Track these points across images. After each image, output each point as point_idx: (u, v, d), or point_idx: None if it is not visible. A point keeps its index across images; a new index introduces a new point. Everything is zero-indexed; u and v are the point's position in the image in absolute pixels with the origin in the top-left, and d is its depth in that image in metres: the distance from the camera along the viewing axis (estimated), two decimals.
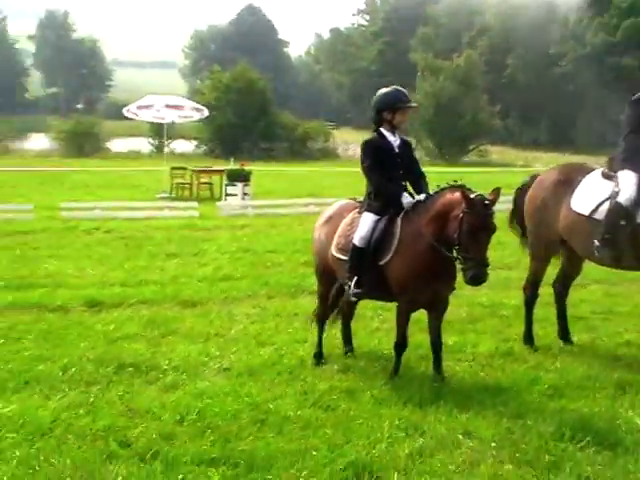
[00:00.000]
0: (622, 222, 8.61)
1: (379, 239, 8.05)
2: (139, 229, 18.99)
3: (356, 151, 70.30)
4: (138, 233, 18.35)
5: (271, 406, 7.24)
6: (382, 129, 8.39)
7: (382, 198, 8.17)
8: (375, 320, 10.45)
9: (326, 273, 8.73)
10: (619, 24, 71.39)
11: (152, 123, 45.11)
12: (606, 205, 8.74)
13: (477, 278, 7.49)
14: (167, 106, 28.31)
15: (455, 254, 7.67)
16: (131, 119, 30.36)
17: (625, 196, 8.60)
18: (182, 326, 10.09)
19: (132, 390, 7.65)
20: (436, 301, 8.07)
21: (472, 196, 7.48)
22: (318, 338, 8.97)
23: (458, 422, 7.01)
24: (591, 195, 8.92)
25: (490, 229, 7.52)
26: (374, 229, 8.10)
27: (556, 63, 77.06)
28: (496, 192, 7.60)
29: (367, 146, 8.39)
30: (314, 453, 6.26)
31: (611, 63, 65.03)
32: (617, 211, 8.62)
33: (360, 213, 8.33)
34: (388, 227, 8.07)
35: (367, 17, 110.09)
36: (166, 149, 56.33)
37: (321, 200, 24.32)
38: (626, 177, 8.70)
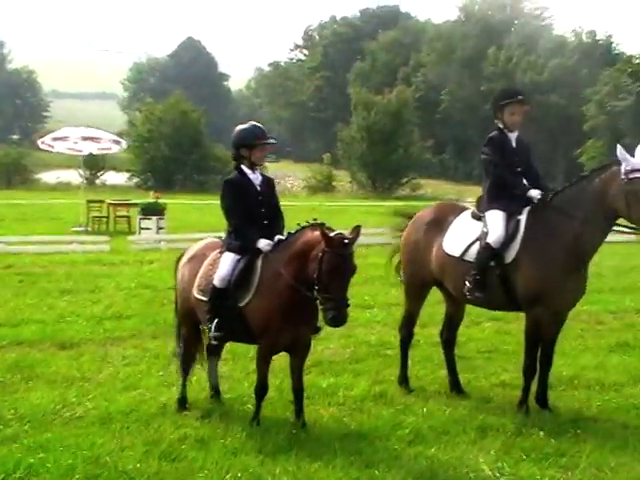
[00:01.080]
0: (491, 263, 8.44)
1: (239, 280, 7.75)
2: (41, 264, 18.50)
3: (294, 183, 70.72)
4: (39, 269, 17.86)
5: (108, 459, 6.80)
6: (242, 166, 8.11)
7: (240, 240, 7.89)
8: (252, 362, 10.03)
9: (189, 314, 8.37)
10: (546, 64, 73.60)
11: (86, 155, 44.47)
12: (476, 246, 8.55)
13: (337, 319, 7.18)
14: (83, 138, 27.75)
15: (315, 294, 7.38)
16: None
17: (493, 237, 8.41)
18: (48, 370, 9.60)
19: None
20: (297, 344, 7.75)
21: (331, 235, 7.21)
22: (182, 382, 8.58)
23: (304, 473, 6.68)
24: (461, 236, 8.72)
25: (350, 268, 7.25)
26: (234, 269, 7.79)
27: (488, 100, 78.05)
28: (356, 230, 7.34)
29: (226, 185, 8.09)
30: None
31: (539, 100, 66.05)
32: (486, 252, 8.43)
33: (221, 253, 8.01)
34: (248, 267, 7.77)
35: (305, 52, 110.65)
36: (97, 181, 56.18)
37: None
38: (493, 217, 8.52)
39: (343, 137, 61.96)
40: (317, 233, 7.32)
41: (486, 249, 8.43)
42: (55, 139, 28.13)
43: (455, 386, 9.19)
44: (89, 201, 27.88)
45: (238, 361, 9.91)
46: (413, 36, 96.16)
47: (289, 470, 6.73)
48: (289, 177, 78.02)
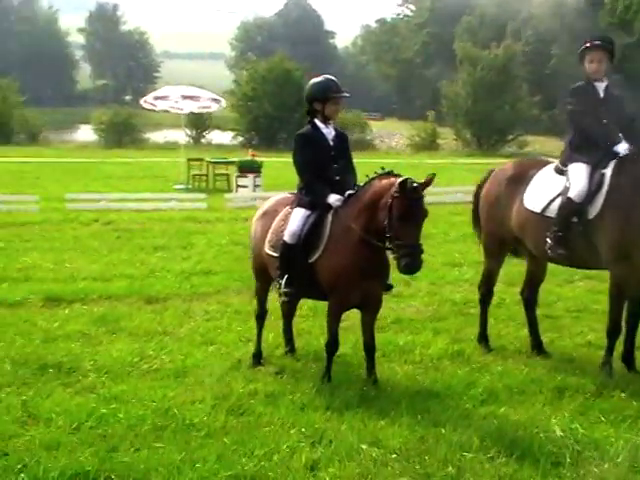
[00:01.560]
0: (573, 219, 8.11)
1: (309, 235, 7.67)
2: (139, 221, 18.81)
3: (399, 141, 70.20)
4: (136, 225, 18.16)
5: (177, 412, 6.85)
6: (316, 120, 7.98)
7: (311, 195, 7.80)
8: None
9: (261, 270, 8.34)
10: None
11: (190, 114, 45.05)
12: (558, 201, 8.23)
13: (411, 266, 7.07)
14: (183, 97, 28.06)
15: (387, 244, 7.24)
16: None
17: (575, 191, 8.08)
18: (131, 324, 9.75)
19: (42, 393, 7.27)
20: (368, 300, 7.64)
21: (400, 180, 7.07)
22: (257, 337, 8.60)
23: (369, 430, 6.58)
24: (543, 191, 8.40)
25: (421, 213, 7.11)
26: (304, 225, 7.71)
27: None
28: (430, 178, 7.17)
29: (299, 139, 8.00)
30: (198, 465, 5.87)
31: None
32: (568, 207, 8.11)
33: (293, 208, 7.93)
34: (318, 223, 7.68)
35: (412, 7, 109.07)
36: (203, 140, 56.96)
37: None
38: (576, 170, 8.18)
39: (448, 93, 60.95)
40: (385, 181, 7.22)
41: (568, 204, 8.11)
42: (156, 98, 28.53)
43: (536, 345, 8.93)
44: (189, 159, 28.21)
45: (317, 317, 9.82)
46: None
47: (354, 426, 6.65)
48: (394, 135, 77.44)
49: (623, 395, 7.44)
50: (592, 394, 7.52)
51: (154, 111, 30.16)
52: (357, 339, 8.70)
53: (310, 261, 7.63)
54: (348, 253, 7.40)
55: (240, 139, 57.36)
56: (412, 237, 7.05)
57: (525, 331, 9.33)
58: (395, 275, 12.58)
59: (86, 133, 65.26)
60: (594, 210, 8.04)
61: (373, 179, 7.46)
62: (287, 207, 8.08)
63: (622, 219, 7.84)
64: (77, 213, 19.55)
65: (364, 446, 6.25)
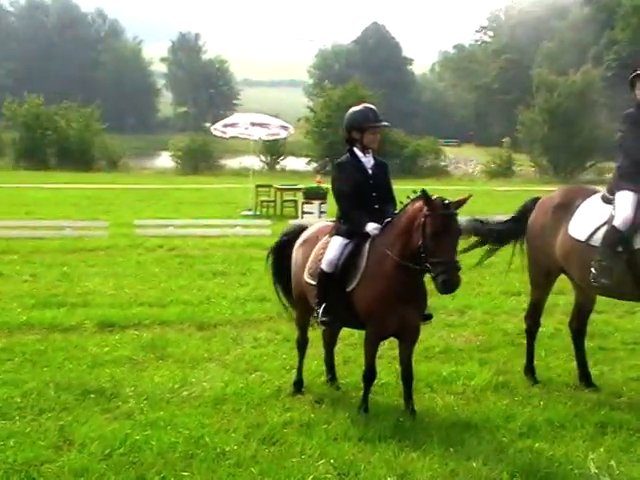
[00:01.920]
0: (619, 248, 7.91)
1: (347, 264, 7.64)
2: (202, 247, 18.99)
3: (475, 168, 69.65)
4: (199, 251, 18.34)
5: (208, 440, 6.86)
6: (355, 149, 7.96)
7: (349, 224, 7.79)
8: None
9: (301, 298, 8.32)
10: None
11: (265, 141, 45.50)
12: (603, 230, 8.04)
13: (448, 283, 6.95)
14: (252, 124, 28.34)
15: (423, 265, 7.15)
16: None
17: (621, 219, 7.88)
18: (178, 350, 9.84)
19: (80, 418, 7.36)
20: (405, 329, 7.56)
21: (431, 198, 7.05)
22: (298, 366, 8.59)
23: (400, 462, 6.51)
24: (589, 220, 8.21)
25: (455, 228, 7.07)
26: (342, 254, 7.69)
27: None
28: (464, 197, 7.15)
29: (338, 167, 7.99)
30: None
31: None
32: (613, 236, 7.91)
33: (331, 237, 7.92)
34: (356, 252, 7.65)
35: (490, 33, 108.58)
36: (277, 166, 57.50)
37: None
38: (623, 198, 7.98)
39: (524, 120, 60.37)
40: (417, 204, 7.20)
41: (613, 232, 7.92)
42: (226, 125, 28.89)
43: (584, 378, 8.71)
44: (258, 186, 28.42)
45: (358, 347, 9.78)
46: (607, 12, 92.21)
47: (385, 458, 6.59)
48: (470, 161, 77.01)
49: None
50: (637, 430, 7.30)
51: (224, 138, 30.50)
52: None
53: (348, 290, 7.60)
54: (384, 280, 7.35)
55: (314, 165, 57.63)
56: (447, 253, 6.98)
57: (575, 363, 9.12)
58: (451, 304, 12.68)
59: (165, 160, 66.43)
60: None
61: (407, 205, 7.42)
62: (327, 235, 8.05)
63: None
64: (144, 239, 19.83)
65: (392, 479, 6.18)
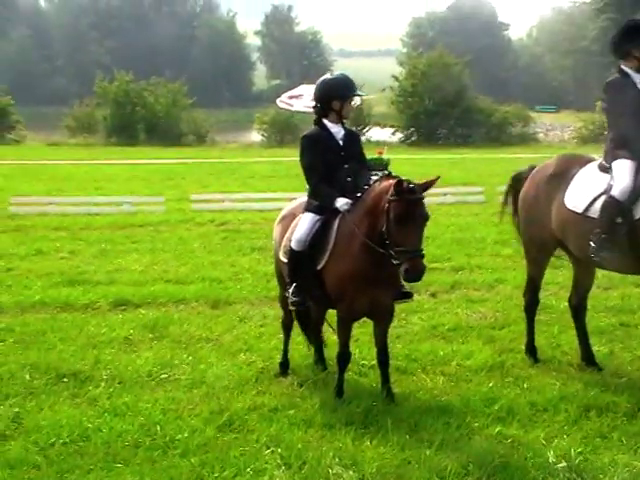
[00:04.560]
0: (618, 219, 7.34)
1: (316, 242, 7.29)
2: (254, 221, 18.83)
3: (572, 134, 67.58)
4: (249, 226, 18.21)
5: (158, 428, 6.61)
6: (326, 120, 7.56)
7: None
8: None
9: (281, 276, 8.02)
10: None
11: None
12: (601, 201, 7.47)
13: (411, 273, 6.55)
14: None
15: (388, 250, 6.75)
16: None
17: (619, 189, 7.31)
18: (179, 330, 9.62)
19: (43, 404, 7.16)
20: (377, 309, 7.17)
21: (397, 181, 6.61)
22: (284, 346, 8.30)
23: (351, 450, 6.16)
24: (586, 190, 7.65)
25: (420, 216, 6.62)
26: (311, 231, 7.33)
27: None
28: (432, 179, 6.71)
29: (305, 140, 7.60)
30: None
31: None
32: (611, 207, 7.35)
33: (302, 213, 7.57)
34: (325, 228, 7.29)
35: None
36: (362, 137, 56.92)
37: (462, 189, 23.40)
38: (620, 166, 7.41)
39: None
40: (384, 184, 6.78)
41: (611, 203, 7.36)
42: (291, 97, 28.33)
43: (587, 357, 8.17)
44: None
45: (368, 326, 9.41)
46: None
47: (338, 446, 6.25)
48: (568, 127, 74.72)
49: None
50: (624, 414, 6.80)
51: (289, 111, 30.14)
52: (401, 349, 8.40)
53: (318, 268, 7.25)
54: (353, 259, 6.98)
55: (399, 135, 56.86)
56: (411, 241, 6.56)
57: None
58: (480, 278, 12.16)
59: (255, 133, 66.69)
60: None
61: (375, 182, 7.00)
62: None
63: None
64: (197, 214, 19.81)
65: (335, 470, 5.85)
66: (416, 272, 6.55)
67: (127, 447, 6.33)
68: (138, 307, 10.81)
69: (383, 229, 6.68)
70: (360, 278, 6.95)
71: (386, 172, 7.03)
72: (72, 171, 32.39)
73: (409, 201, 6.53)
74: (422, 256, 6.58)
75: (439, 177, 6.76)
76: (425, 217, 6.64)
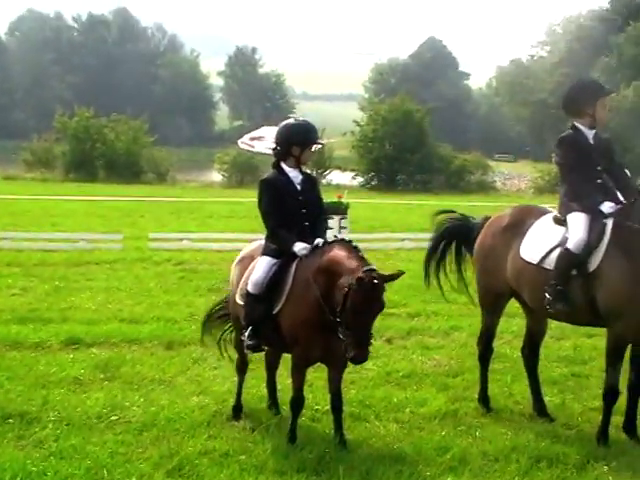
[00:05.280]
0: (573, 272, 7.43)
1: (273, 285, 7.27)
2: (212, 262, 18.72)
3: (528, 184, 68.47)
4: (207, 266, 18.08)
5: (105, 472, 6.50)
6: (284, 165, 7.59)
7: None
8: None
9: (237, 319, 7.98)
10: None
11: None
12: (557, 253, 7.57)
13: (356, 359, 6.67)
14: None
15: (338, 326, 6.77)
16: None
17: (574, 242, 7.42)
18: (131, 371, 9.51)
19: None
20: (333, 355, 7.13)
21: (361, 274, 6.55)
22: (237, 390, 8.24)
23: None
24: (541, 241, 7.75)
25: (376, 308, 6.65)
26: (268, 274, 7.32)
27: None
28: (397, 273, 6.79)
29: (263, 185, 7.62)
30: None
31: None
32: (567, 259, 7.44)
33: (260, 256, 7.56)
34: (282, 272, 7.28)
35: (547, 48, 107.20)
36: (323, 180, 57.15)
37: (420, 235, 23.47)
38: (575, 220, 7.53)
39: None
40: (349, 265, 6.72)
41: (567, 255, 7.45)
42: (253, 138, 28.53)
43: (539, 407, 8.22)
44: None
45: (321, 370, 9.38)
46: None
47: None
48: (524, 177, 75.73)
49: (606, 469, 6.72)
50: (574, 465, 6.83)
51: (251, 152, 30.23)
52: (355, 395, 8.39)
53: (274, 312, 7.23)
54: (308, 306, 6.97)
55: (360, 179, 57.16)
56: (362, 329, 6.61)
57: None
58: (436, 325, 12.20)
59: (216, 173, 66.68)
60: (594, 263, 7.35)
61: (334, 242, 7.06)
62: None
63: (618, 275, 7.15)
64: (155, 252, 19.67)
65: None
66: (360, 360, 6.69)
67: None
68: (90, 346, 10.67)
69: (338, 308, 6.68)
70: (315, 324, 6.95)
71: (344, 231, 7.02)
72: (28, 206, 32.05)
73: (369, 296, 6.53)
74: (369, 344, 6.67)
75: (404, 272, 6.83)
76: (381, 307, 6.68)
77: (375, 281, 6.52)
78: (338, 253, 6.86)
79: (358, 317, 6.55)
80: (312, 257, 7.09)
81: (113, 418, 7.86)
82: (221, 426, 7.75)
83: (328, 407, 7.80)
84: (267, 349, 7.98)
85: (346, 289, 6.58)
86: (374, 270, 6.63)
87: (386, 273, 6.71)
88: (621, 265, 7.21)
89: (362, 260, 6.77)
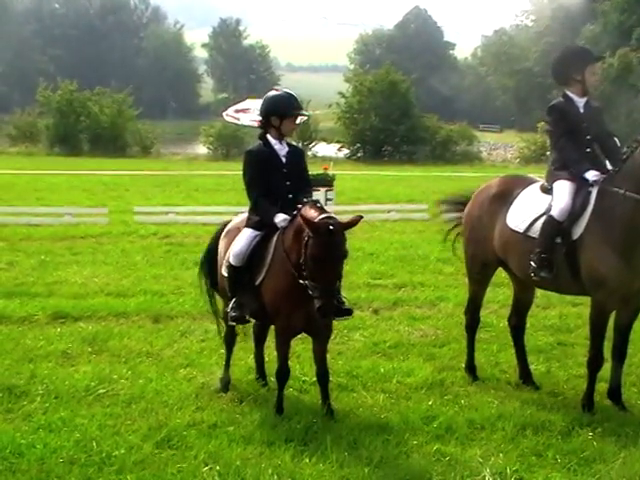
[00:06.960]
0: (557, 240, 7.46)
1: (254, 257, 7.29)
2: (198, 235, 18.66)
3: (514, 154, 68.59)
4: (192, 239, 18.03)
5: (94, 444, 6.51)
6: (269, 136, 7.58)
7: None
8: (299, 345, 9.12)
9: (224, 290, 7.99)
10: None
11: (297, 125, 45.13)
12: (542, 221, 7.59)
13: (322, 311, 6.64)
14: None
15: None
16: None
17: (558, 209, 7.44)
18: (119, 344, 9.50)
19: None
20: (315, 325, 7.13)
21: (316, 220, 6.59)
22: (225, 362, 8.26)
23: (289, 467, 6.17)
24: (527, 210, 7.76)
25: (337, 256, 6.63)
26: (249, 246, 7.33)
27: None
28: (356, 218, 6.75)
29: (248, 156, 7.61)
30: None
31: None
32: (551, 227, 7.46)
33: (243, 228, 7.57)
34: (264, 244, 7.29)
35: (532, 17, 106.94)
36: (309, 152, 57.06)
37: (406, 206, 23.54)
38: (560, 187, 7.55)
39: None
40: (309, 214, 6.75)
41: (550, 223, 7.47)
42: (238, 111, 28.37)
43: (524, 376, 8.27)
44: None
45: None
46: None
47: (277, 464, 6.23)
48: (510, 147, 75.81)
49: (591, 435, 6.79)
50: (559, 432, 6.89)
51: (236, 124, 30.13)
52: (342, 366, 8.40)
53: (256, 284, 7.25)
54: (288, 277, 6.98)
55: (345, 152, 57.15)
56: (325, 279, 6.62)
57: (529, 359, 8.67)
58: (422, 295, 12.25)
59: (202, 146, 66.52)
60: (577, 231, 7.39)
61: (304, 205, 7.02)
62: None
63: (600, 243, 7.19)
64: (141, 226, 19.64)
65: None
66: (326, 312, 6.65)
67: (62, 464, 6.22)
68: (77, 320, 10.67)
69: (301, 261, 6.70)
70: (296, 295, 6.93)
71: (320, 193, 7.02)
72: (12, 180, 31.94)
73: (326, 242, 6.54)
74: (334, 295, 6.68)
75: (362, 217, 6.84)
76: (342, 258, 6.68)
77: (331, 227, 6.53)
78: (302, 214, 6.84)
79: (319, 266, 6.55)
80: (287, 230, 7.11)
81: (101, 391, 7.87)
82: (209, 398, 7.76)
83: (315, 378, 7.85)
84: (254, 321, 7.99)
85: (306, 239, 6.62)
86: (331, 217, 6.64)
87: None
88: (604, 233, 7.23)
89: (322, 211, 6.77)
